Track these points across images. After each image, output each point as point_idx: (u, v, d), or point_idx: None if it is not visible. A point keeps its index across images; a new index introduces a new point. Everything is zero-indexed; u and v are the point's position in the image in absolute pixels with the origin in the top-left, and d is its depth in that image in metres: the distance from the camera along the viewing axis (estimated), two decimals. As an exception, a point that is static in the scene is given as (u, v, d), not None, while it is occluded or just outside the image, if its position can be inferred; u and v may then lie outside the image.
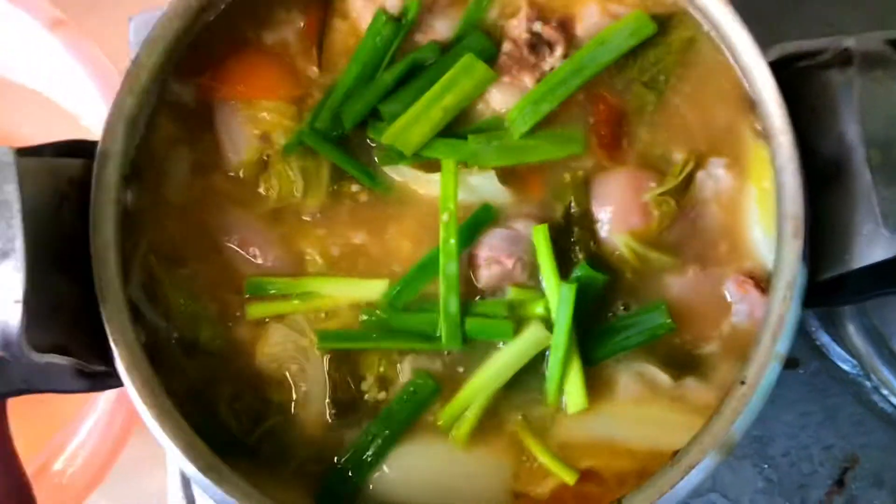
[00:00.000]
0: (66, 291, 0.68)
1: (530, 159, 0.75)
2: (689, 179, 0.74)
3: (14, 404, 0.93)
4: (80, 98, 1.14)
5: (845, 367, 0.99)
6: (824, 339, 1.00)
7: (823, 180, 0.69)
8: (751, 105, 0.74)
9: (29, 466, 0.92)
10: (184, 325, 0.73)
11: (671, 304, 0.73)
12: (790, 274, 0.65)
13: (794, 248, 0.65)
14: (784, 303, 0.64)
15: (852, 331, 0.95)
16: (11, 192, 0.59)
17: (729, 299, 0.72)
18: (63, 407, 1.07)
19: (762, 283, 0.72)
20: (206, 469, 0.65)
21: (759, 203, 0.73)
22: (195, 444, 0.67)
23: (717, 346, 0.73)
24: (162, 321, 0.73)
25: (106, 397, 1.00)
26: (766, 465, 0.99)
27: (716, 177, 0.74)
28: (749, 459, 0.99)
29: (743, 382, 0.64)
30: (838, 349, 0.99)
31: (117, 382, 0.69)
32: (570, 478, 0.70)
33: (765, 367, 0.64)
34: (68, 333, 0.67)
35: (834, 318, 0.97)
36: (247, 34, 0.78)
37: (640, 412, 0.72)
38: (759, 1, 1.05)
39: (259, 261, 0.75)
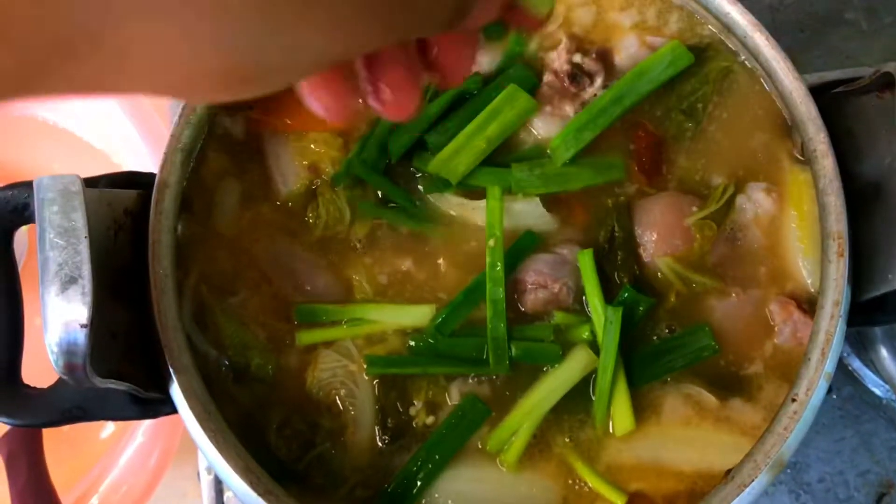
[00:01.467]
0: (122, 319, 0.69)
1: (573, 186, 0.77)
2: (730, 203, 0.76)
3: (50, 439, 0.94)
4: (111, 135, 1.16)
5: (878, 391, 1.00)
6: (856, 364, 1.00)
7: (863, 202, 0.71)
8: (788, 131, 0.76)
9: (66, 500, 0.93)
10: (234, 353, 0.74)
11: (715, 327, 0.74)
12: (836, 293, 0.66)
13: (839, 266, 0.67)
14: (832, 321, 0.66)
15: (884, 355, 0.96)
16: (79, 220, 0.61)
17: (772, 321, 0.74)
18: (99, 441, 1.07)
19: (804, 304, 0.73)
20: (265, 493, 0.66)
21: (799, 226, 0.74)
22: (252, 468, 0.67)
23: (761, 368, 0.73)
24: (212, 350, 0.74)
25: (143, 430, 1.01)
26: (801, 492, 1.00)
27: (755, 201, 0.75)
28: (785, 486, 0.99)
29: (794, 400, 0.65)
30: (871, 374, 0.99)
31: (170, 409, 0.70)
32: (619, 500, 0.71)
33: (814, 384, 0.65)
34: (125, 360, 0.68)
35: (866, 344, 0.98)
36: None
37: (687, 433, 0.72)
38: (780, 35, 1.08)
39: (308, 288, 0.76)
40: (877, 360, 0.97)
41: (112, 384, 0.65)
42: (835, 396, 1.01)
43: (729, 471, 0.67)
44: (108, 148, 1.21)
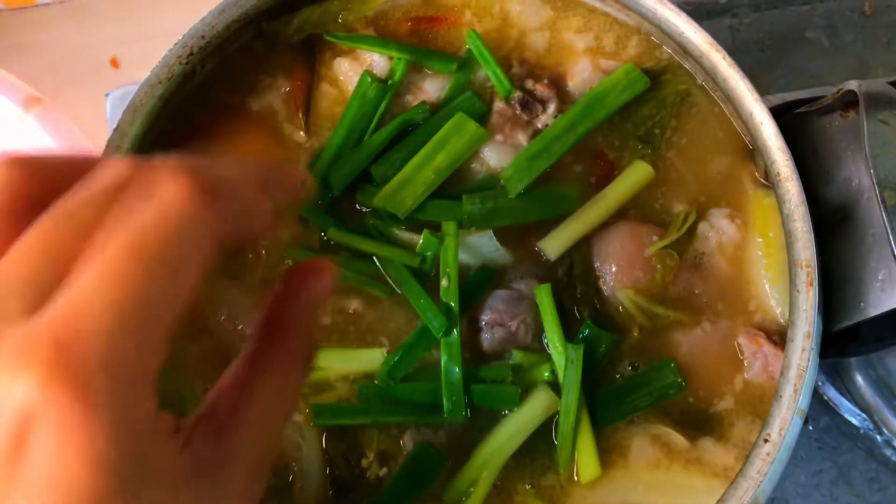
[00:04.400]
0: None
1: (527, 219, 0.73)
2: (692, 231, 0.72)
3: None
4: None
5: (855, 421, 0.96)
6: (831, 393, 0.97)
7: (831, 227, 0.67)
8: (749, 154, 0.73)
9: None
10: (170, 405, 0.69)
11: (680, 362, 0.70)
12: (807, 324, 0.62)
13: (808, 296, 0.63)
14: (803, 354, 0.62)
15: (860, 383, 0.93)
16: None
17: (741, 354, 0.70)
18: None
19: (774, 336, 0.69)
20: (199, 560, 0.60)
21: (765, 253, 0.71)
22: (187, 533, 0.62)
23: (731, 404, 0.70)
24: (147, 402, 0.69)
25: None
26: (781, 529, 0.96)
27: (718, 228, 0.72)
28: (763, 523, 0.95)
29: (767, 440, 0.61)
30: (847, 403, 0.96)
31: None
32: (586, 551, 0.66)
33: (787, 423, 0.61)
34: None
35: (841, 372, 0.94)
36: (231, 101, 0.77)
37: (656, 477, 0.68)
38: (741, 55, 1.06)
39: (249, 334, 0.71)
40: (853, 389, 0.94)
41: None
42: (811, 427, 0.97)
43: (700, 518, 0.63)
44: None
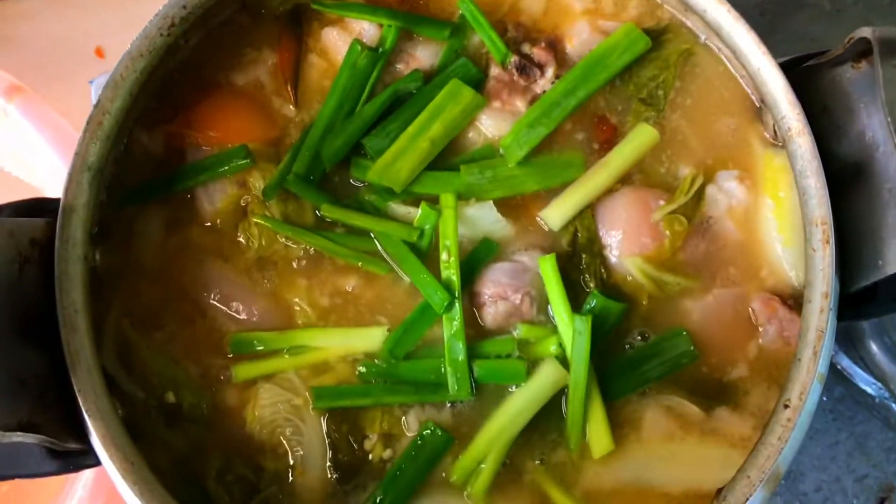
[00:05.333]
0: (34, 362, 0.62)
1: (528, 188, 0.71)
2: (700, 195, 0.70)
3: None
4: (42, 168, 1.08)
5: (870, 390, 0.94)
6: (845, 362, 0.94)
7: (843, 185, 0.65)
8: (757, 113, 0.71)
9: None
10: (164, 393, 0.67)
11: (692, 330, 0.68)
12: (824, 284, 0.60)
13: (825, 255, 0.61)
14: (822, 315, 0.59)
15: (875, 351, 0.91)
16: (-37, 252, 0.53)
17: (755, 320, 0.67)
18: (36, 498, 0.99)
19: (789, 300, 0.67)
20: (198, 550, 0.58)
21: (777, 215, 0.68)
22: (184, 522, 0.60)
23: (745, 371, 0.67)
24: (139, 390, 0.67)
25: (83, 484, 0.92)
26: (798, 503, 0.93)
27: (727, 190, 0.70)
28: (781, 497, 0.93)
29: (787, 406, 0.59)
30: (861, 372, 0.93)
31: (93, 461, 0.63)
32: (600, 529, 0.64)
33: (807, 387, 0.59)
34: (37, 408, 0.60)
35: (854, 340, 0.92)
36: (216, 76, 0.74)
37: (671, 450, 0.66)
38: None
39: (243, 316, 0.69)
40: (867, 357, 0.92)
41: (19, 437, 0.57)
42: (825, 398, 0.95)
43: (721, 489, 0.60)
44: (39, 182, 1.13)
